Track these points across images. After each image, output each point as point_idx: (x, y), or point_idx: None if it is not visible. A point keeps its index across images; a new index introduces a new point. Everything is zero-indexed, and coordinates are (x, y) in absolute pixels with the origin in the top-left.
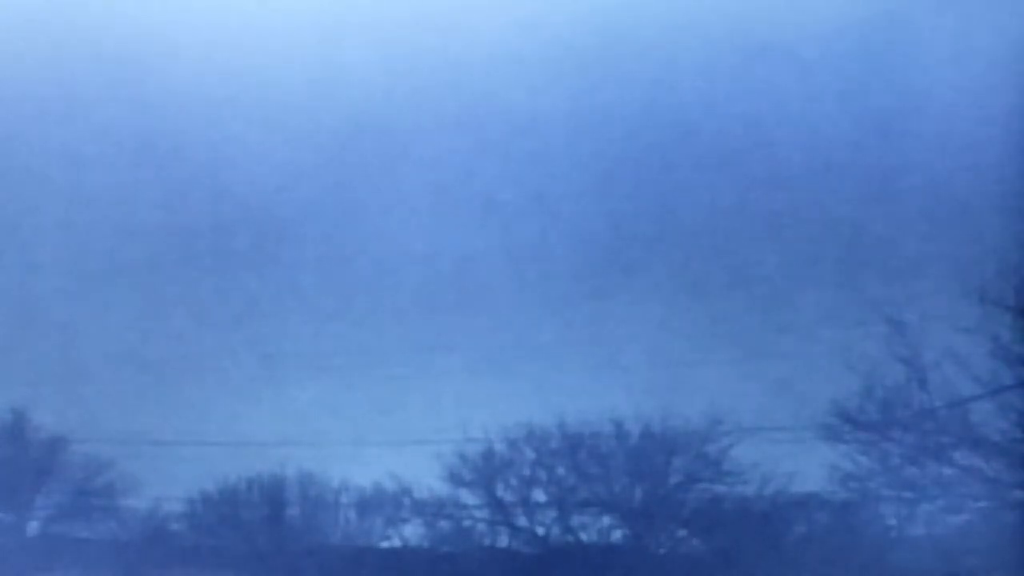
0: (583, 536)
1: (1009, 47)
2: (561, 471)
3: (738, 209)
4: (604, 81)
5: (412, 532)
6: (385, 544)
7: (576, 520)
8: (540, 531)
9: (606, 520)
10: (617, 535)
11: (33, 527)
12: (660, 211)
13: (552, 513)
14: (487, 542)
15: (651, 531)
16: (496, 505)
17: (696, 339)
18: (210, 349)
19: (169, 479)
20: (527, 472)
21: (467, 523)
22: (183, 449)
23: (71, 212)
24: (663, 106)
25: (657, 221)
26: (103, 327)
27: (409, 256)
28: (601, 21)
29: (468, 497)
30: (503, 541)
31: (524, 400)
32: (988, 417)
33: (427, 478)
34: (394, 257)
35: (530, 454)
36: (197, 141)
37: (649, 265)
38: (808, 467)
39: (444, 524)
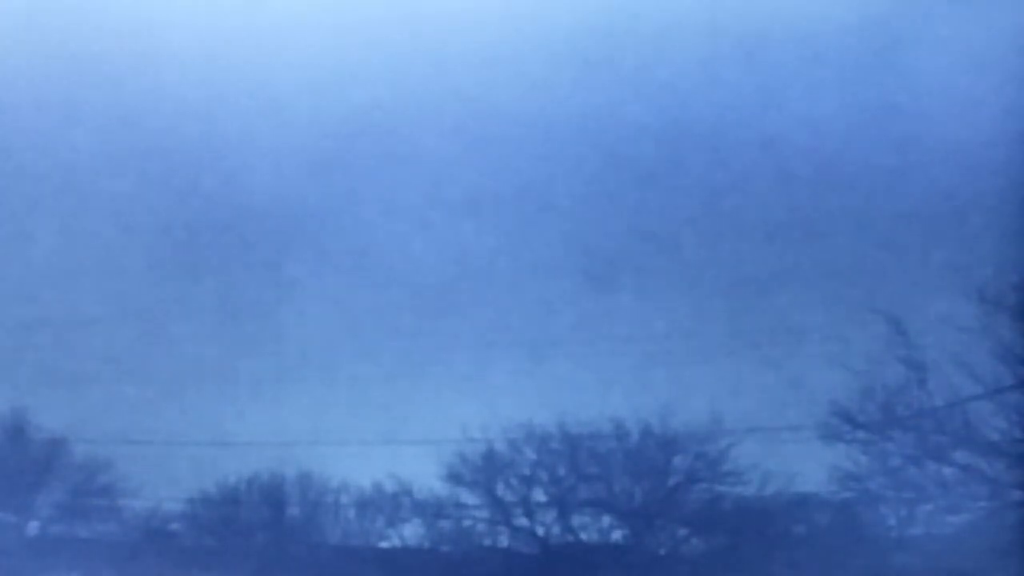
0: (583, 536)
1: (1009, 47)
2: (561, 471)
3: (738, 208)
4: (604, 79)
5: (412, 532)
6: (385, 544)
7: (576, 520)
8: (540, 531)
9: (606, 520)
10: (617, 535)
11: (33, 527)
12: (660, 210)
13: (552, 513)
14: (487, 542)
15: (651, 531)
16: (496, 505)
17: (696, 339)
18: (210, 349)
19: (169, 479)
20: (527, 472)
21: (467, 523)
22: (183, 449)
23: (71, 212)
24: (663, 105)
25: (657, 220)
26: (103, 327)
27: (409, 255)
28: (600, 20)
29: (468, 497)
30: (503, 541)
31: (524, 400)
32: (988, 417)
33: (427, 478)
34: (394, 257)
35: (530, 454)
36: (196, 142)
37: (649, 265)
38: (808, 467)
39: (444, 524)
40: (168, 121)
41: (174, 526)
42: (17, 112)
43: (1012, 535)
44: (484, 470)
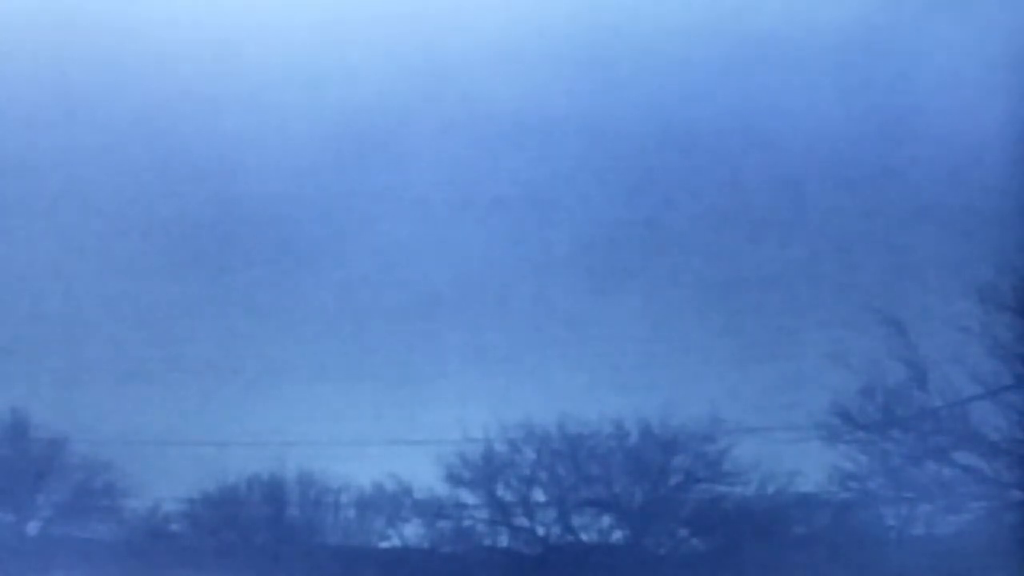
0: (583, 536)
1: (1009, 47)
2: (561, 471)
3: (738, 209)
4: (604, 81)
5: (412, 532)
6: (385, 544)
7: (576, 520)
8: (540, 531)
9: (606, 520)
10: (617, 535)
11: (33, 527)
12: (660, 211)
13: (552, 513)
14: (487, 542)
15: (651, 531)
16: (496, 505)
17: (696, 339)
18: (210, 349)
19: (169, 479)
20: (527, 472)
21: (467, 523)
22: (183, 449)
23: (71, 212)
24: (663, 106)
25: (657, 221)
26: (103, 327)
27: (409, 255)
28: (601, 21)
29: (468, 497)
30: (503, 541)
31: (524, 400)
32: (988, 417)
33: (427, 478)
34: (394, 257)
35: (530, 454)
36: (198, 142)
37: (649, 265)
38: (808, 467)
39: (444, 524)
40: (167, 121)
41: (174, 526)
42: (19, 112)
43: (1012, 535)
44: (484, 470)
